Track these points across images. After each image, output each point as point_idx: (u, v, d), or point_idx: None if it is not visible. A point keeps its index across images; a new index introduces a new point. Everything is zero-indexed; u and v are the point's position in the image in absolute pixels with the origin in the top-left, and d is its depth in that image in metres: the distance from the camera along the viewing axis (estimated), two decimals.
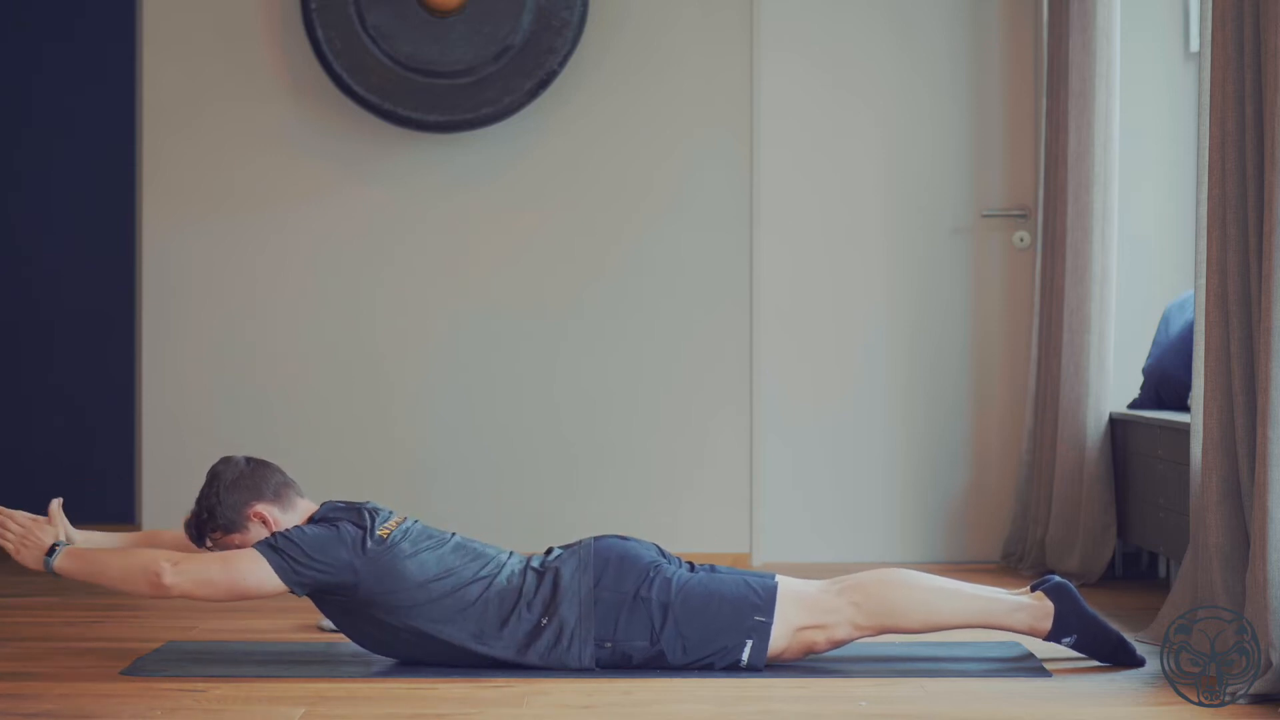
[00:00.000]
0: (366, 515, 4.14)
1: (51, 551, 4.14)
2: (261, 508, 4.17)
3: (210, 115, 6.12)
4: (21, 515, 4.21)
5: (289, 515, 4.19)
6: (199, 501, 4.19)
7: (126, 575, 4.07)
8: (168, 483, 6.03)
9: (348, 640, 4.46)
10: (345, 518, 4.14)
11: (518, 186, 6.13)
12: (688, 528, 6.08)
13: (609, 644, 4.05)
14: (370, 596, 4.06)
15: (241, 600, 4.13)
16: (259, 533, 4.16)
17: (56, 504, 4.25)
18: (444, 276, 6.13)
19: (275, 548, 4.05)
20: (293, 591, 4.07)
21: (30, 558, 4.15)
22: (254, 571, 4.04)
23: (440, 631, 4.06)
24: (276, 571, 4.03)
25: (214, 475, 4.21)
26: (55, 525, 4.21)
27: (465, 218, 6.14)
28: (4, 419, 7.09)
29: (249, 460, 4.23)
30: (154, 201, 6.13)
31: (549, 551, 4.21)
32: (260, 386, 6.12)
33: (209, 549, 4.20)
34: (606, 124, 6.12)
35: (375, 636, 4.13)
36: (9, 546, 4.17)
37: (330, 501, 4.24)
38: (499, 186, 6.13)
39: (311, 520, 4.17)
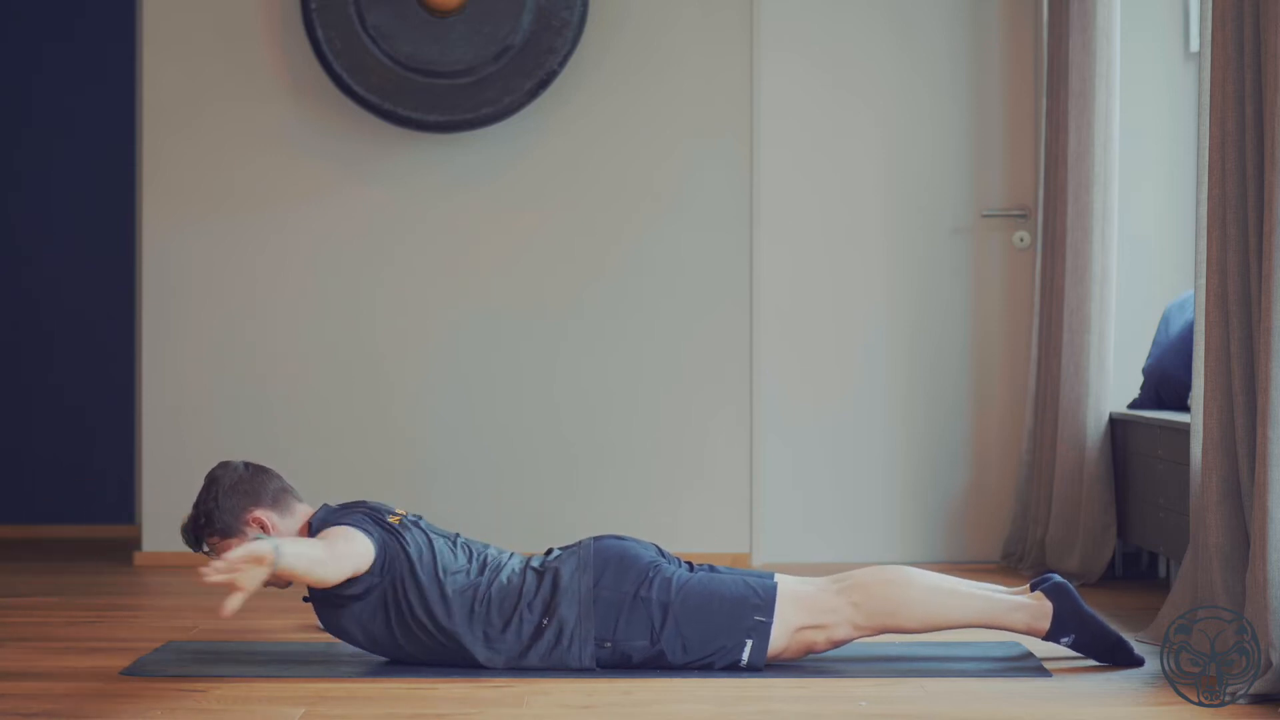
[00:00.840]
0: (371, 509, 4.14)
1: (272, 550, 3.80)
2: (260, 513, 4.15)
3: (210, 115, 6.12)
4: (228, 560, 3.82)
5: (287, 521, 4.17)
6: (196, 506, 4.17)
7: (315, 552, 3.88)
8: (168, 483, 6.03)
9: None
10: (358, 510, 4.13)
11: (518, 186, 6.13)
12: (688, 528, 6.08)
13: (609, 644, 4.05)
14: (393, 583, 4.04)
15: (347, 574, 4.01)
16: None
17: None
18: (444, 277, 6.13)
19: (350, 524, 4.03)
20: (372, 562, 4.02)
21: (258, 571, 3.73)
22: (357, 537, 4.01)
23: (455, 630, 4.05)
24: (364, 533, 4.01)
25: (212, 480, 4.19)
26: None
27: (465, 218, 6.14)
28: (4, 419, 7.08)
29: (247, 465, 4.22)
30: (154, 201, 6.13)
31: (549, 552, 4.21)
32: (260, 386, 6.12)
33: (206, 554, 4.19)
34: (606, 124, 6.13)
35: (377, 636, 4.11)
36: (233, 575, 3.70)
37: (327, 505, 4.23)
38: (499, 186, 6.13)
39: (311, 524, 4.15)
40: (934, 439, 6.16)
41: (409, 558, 4.06)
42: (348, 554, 3.98)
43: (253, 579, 3.72)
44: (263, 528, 4.13)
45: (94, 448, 7.06)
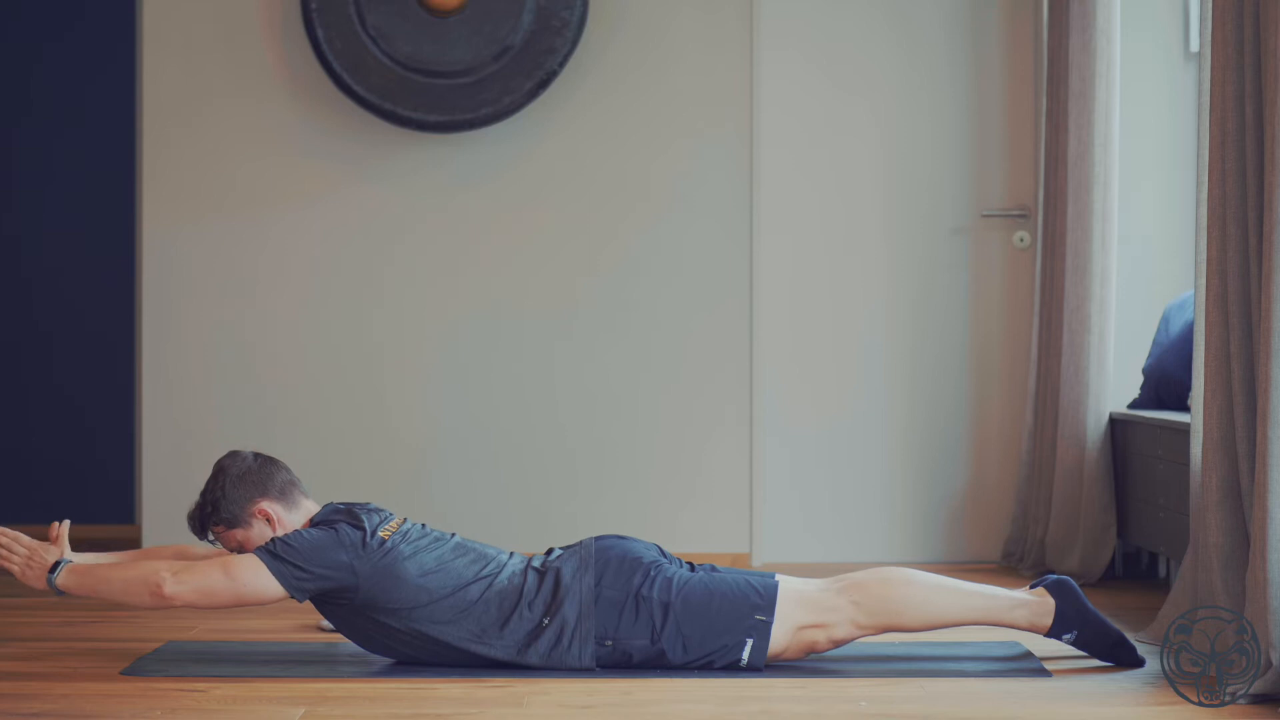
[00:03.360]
0: (365, 517, 4.14)
1: (54, 569, 4.10)
2: (266, 505, 4.15)
3: (210, 115, 6.12)
4: (26, 538, 4.17)
5: (293, 514, 4.18)
6: (203, 494, 4.18)
7: (128, 587, 4.05)
8: (168, 483, 6.03)
9: (348, 640, 4.46)
10: (344, 520, 4.13)
11: (518, 186, 6.13)
12: (688, 528, 6.08)
13: (609, 642, 4.05)
14: (371, 598, 4.06)
15: (243, 607, 4.13)
16: (262, 529, 4.14)
17: (62, 526, 4.19)
18: (444, 277, 6.13)
19: (276, 555, 4.03)
20: (294, 598, 4.06)
21: (34, 577, 4.12)
22: (256, 579, 4.02)
23: (441, 633, 4.06)
24: (278, 579, 4.02)
25: (220, 469, 4.19)
26: (60, 546, 4.17)
27: (465, 218, 6.14)
28: (4, 419, 7.08)
29: (256, 456, 4.22)
30: (154, 201, 6.13)
31: (549, 552, 4.21)
32: (260, 387, 6.12)
33: (210, 542, 4.20)
34: (606, 124, 6.13)
35: (377, 638, 4.13)
36: (14, 568, 4.12)
37: (331, 503, 4.24)
38: (499, 186, 6.13)
39: (312, 523, 4.16)
40: (934, 439, 6.16)
41: (395, 566, 4.06)
42: (206, 590, 4.04)
43: (29, 579, 4.14)
44: (268, 520, 4.14)
45: (94, 448, 7.06)
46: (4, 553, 4.12)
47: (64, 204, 7.09)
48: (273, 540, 4.08)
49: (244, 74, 6.12)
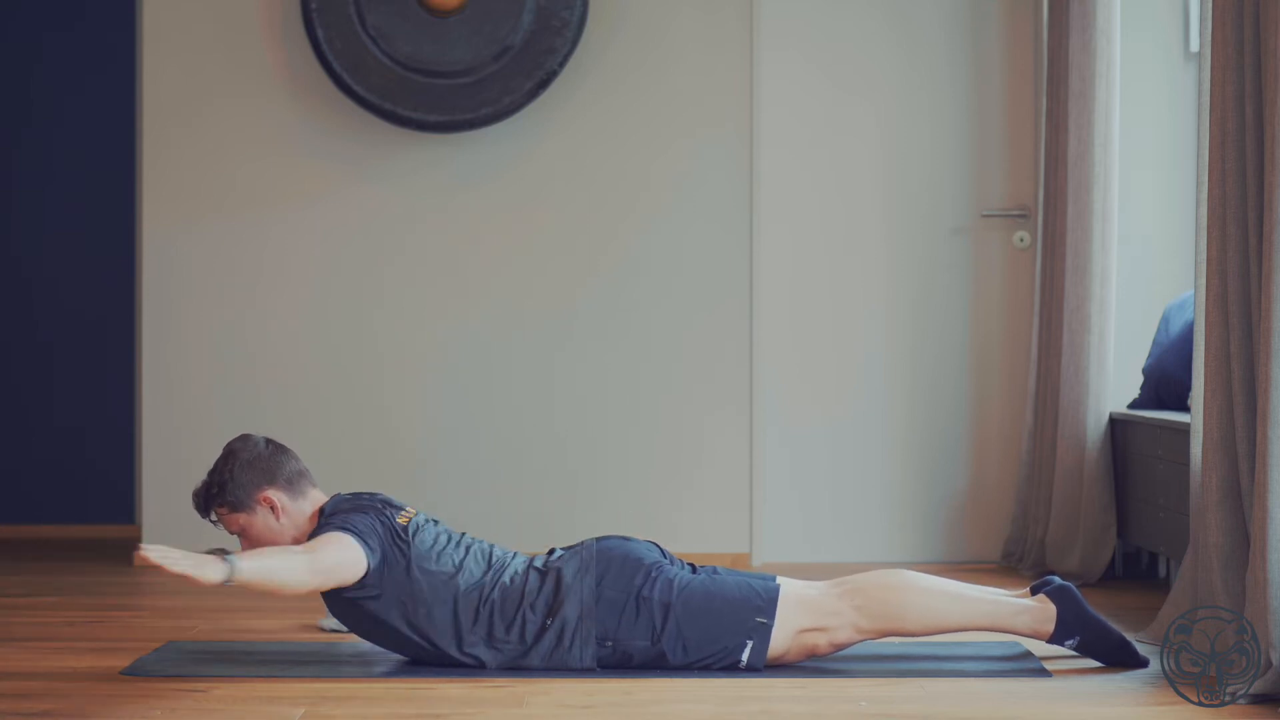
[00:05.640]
0: (382, 505, 4.14)
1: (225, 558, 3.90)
2: (272, 493, 4.13)
3: (210, 115, 6.12)
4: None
5: (299, 504, 4.15)
6: (211, 474, 4.15)
7: (288, 564, 3.93)
8: (168, 483, 6.03)
9: (348, 640, 4.46)
10: (369, 508, 4.12)
11: (518, 186, 6.13)
12: (688, 528, 6.08)
13: (610, 643, 4.05)
14: (395, 588, 4.04)
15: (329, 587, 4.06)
16: (265, 517, 4.13)
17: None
18: (444, 277, 6.13)
19: (349, 530, 4.03)
20: (361, 580, 4.03)
21: (213, 570, 3.84)
22: (353, 551, 4.01)
23: (460, 631, 4.04)
24: (364, 547, 4.01)
25: (230, 452, 4.17)
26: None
27: (465, 218, 6.14)
28: (4, 419, 7.08)
29: (268, 442, 4.20)
30: (154, 201, 6.13)
31: (551, 552, 4.21)
32: (260, 387, 6.12)
33: (213, 523, 4.18)
34: (606, 124, 6.13)
35: (383, 635, 4.11)
36: (187, 568, 3.82)
37: (339, 495, 4.22)
38: (499, 186, 6.13)
39: (322, 513, 4.15)
40: (934, 439, 6.16)
41: (411, 562, 4.06)
42: (333, 566, 3.99)
43: (207, 574, 3.83)
44: (272, 508, 4.12)
45: (94, 448, 7.06)
46: (169, 560, 3.84)
47: (64, 204, 7.09)
48: (331, 519, 4.06)
49: (244, 74, 6.12)
